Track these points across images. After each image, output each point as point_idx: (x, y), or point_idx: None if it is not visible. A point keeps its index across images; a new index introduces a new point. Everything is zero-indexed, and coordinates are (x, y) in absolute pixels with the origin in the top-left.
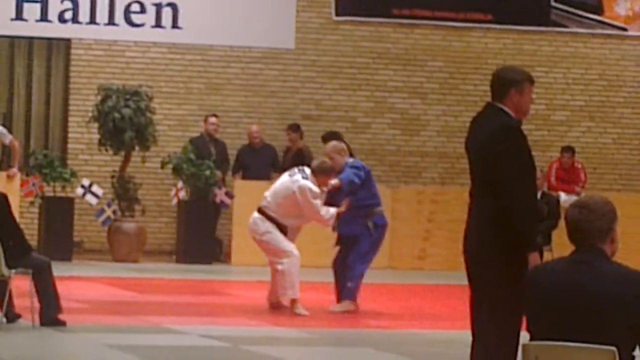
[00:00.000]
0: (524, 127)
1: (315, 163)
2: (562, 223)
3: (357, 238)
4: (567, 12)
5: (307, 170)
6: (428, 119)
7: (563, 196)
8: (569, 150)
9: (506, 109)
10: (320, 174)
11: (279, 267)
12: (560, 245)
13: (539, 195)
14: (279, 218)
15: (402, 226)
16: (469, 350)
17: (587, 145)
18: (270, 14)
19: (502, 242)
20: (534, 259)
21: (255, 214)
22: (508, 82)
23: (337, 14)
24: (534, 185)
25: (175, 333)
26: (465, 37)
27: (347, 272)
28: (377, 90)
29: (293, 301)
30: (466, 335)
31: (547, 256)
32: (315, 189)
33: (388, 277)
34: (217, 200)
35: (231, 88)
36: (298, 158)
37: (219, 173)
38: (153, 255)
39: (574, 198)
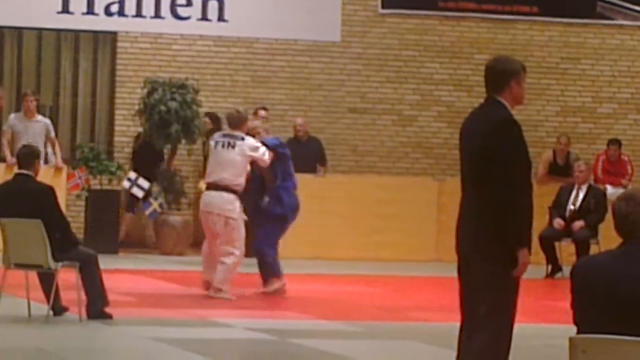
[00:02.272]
0: (571, 119)
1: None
2: (608, 216)
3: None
4: (613, 4)
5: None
6: None
7: (610, 189)
8: (615, 142)
9: (504, 101)
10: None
11: (227, 259)
12: (608, 239)
13: (585, 188)
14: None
15: (449, 219)
16: (517, 344)
17: (633, 138)
18: (316, 6)
19: (496, 237)
20: (523, 254)
21: (226, 195)
22: (508, 74)
23: (383, 7)
24: (529, 180)
25: (221, 326)
26: (511, 29)
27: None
28: (423, 83)
29: (215, 287)
30: (516, 329)
31: (594, 249)
32: None
33: (434, 269)
34: None
35: (277, 81)
36: None
37: None
38: (199, 248)
39: (620, 191)
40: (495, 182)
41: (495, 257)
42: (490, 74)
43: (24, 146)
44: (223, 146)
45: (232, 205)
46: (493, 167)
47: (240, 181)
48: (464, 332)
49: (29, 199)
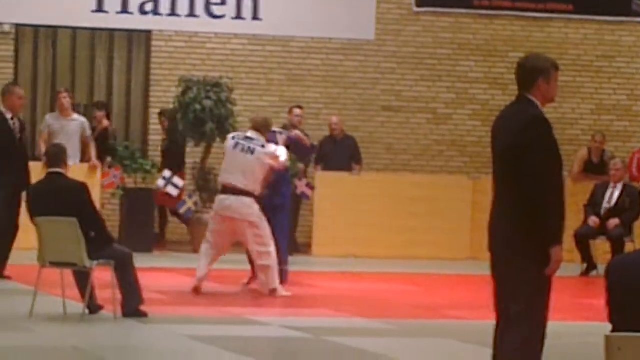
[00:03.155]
0: (606, 117)
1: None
2: None
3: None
4: None
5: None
6: None
7: None
8: None
9: (534, 99)
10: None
11: (267, 258)
12: None
13: (620, 186)
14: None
15: (484, 217)
16: (552, 342)
17: None
18: (351, 5)
19: (529, 235)
20: (556, 252)
21: (245, 199)
22: (536, 72)
23: (417, 5)
24: (561, 177)
25: (256, 324)
26: (546, 27)
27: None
28: (458, 81)
29: (274, 290)
30: (551, 326)
31: (629, 247)
32: None
33: (469, 268)
34: (298, 191)
35: (311, 79)
36: (103, 137)
37: (300, 165)
38: (233, 247)
39: None
40: (526, 180)
41: (527, 255)
42: (520, 72)
43: (53, 145)
44: (243, 150)
45: (251, 210)
46: (524, 165)
47: (257, 188)
48: (499, 330)
49: (62, 197)
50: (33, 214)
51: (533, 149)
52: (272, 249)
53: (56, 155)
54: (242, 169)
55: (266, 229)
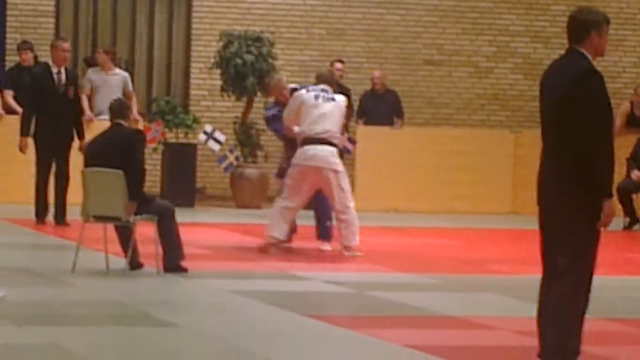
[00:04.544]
0: None
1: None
2: None
3: None
4: None
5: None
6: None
7: None
8: None
9: (585, 52)
10: None
11: (350, 214)
12: None
13: None
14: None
15: (526, 171)
16: (594, 295)
17: None
18: None
19: (579, 188)
20: (608, 205)
21: (330, 148)
22: (589, 24)
23: None
24: (612, 130)
25: (299, 279)
26: None
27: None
28: (499, 34)
29: (350, 247)
30: (593, 280)
31: None
32: None
33: (511, 222)
34: (340, 145)
35: (353, 33)
36: None
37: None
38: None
39: None
40: (578, 132)
41: (578, 208)
42: (572, 24)
43: (115, 100)
44: (324, 99)
45: (336, 158)
46: (576, 117)
47: (339, 135)
48: (545, 283)
49: (117, 144)
50: (89, 163)
51: (585, 102)
52: (353, 203)
53: (118, 108)
54: (328, 117)
55: (347, 182)
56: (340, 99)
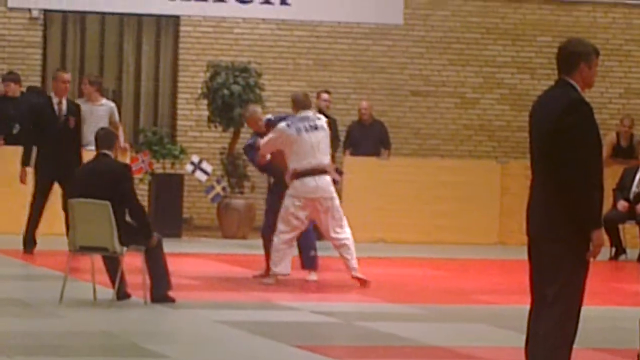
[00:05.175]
0: (635, 101)
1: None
2: None
3: None
4: None
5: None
6: (537, 94)
7: None
8: None
9: (574, 83)
10: None
11: (346, 237)
12: None
13: None
14: None
15: (512, 201)
16: (581, 325)
17: None
18: None
19: (568, 219)
20: (597, 236)
21: (327, 177)
22: (578, 56)
23: None
24: (601, 161)
25: (286, 309)
26: (574, 11)
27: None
28: (485, 65)
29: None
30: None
31: None
32: None
33: (498, 252)
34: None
35: (339, 64)
36: None
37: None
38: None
39: None
40: (568, 163)
41: (566, 239)
42: (561, 56)
43: (102, 129)
44: (307, 130)
45: (332, 187)
46: (565, 147)
47: (329, 162)
48: (534, 314)
49: (104, 178)
50: (71, 195)
51: (575, 132)
52: (349, 230)
53: (105, 137)
54: (318, 148)
55: (340, 208)
56: (322, 122)
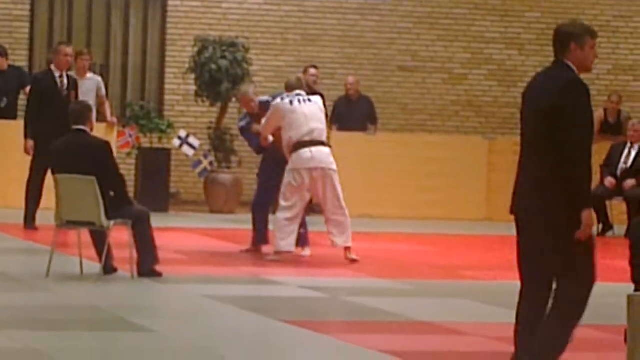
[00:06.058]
0: (622, 78)
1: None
2: None
3: None
4: None
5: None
6: (525, 70)
7: None
8: None
9: (571, 64)
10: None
11: (344, 213)
12: None
13: (637, 146)
14: None
15: (499, 178)
16: None
17: None
18: None
19: (561, 198)
20: (587, 216)
21: (324, 149)
22: (567, 37)
23: None
24: (592, 142)
25: (273, 284)
26: None
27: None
28: (474, 41)
29: (349, 249)
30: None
31: None
32: None
33: (484, 228)
34: None
35: (328, 39)
36: None
37: None
38: (249, 206)
39: None
40: (563, 143)
41: (560, 218)
42: (554, 37)
43: (76, 102)
44: (300, 102)
45: (332, 159)
46: (561, 128)
47: (326, 135)
48: (526, 296)
49: (84, 155)
50: (54, 171)
51: (571, 111)
52: (344, 204)
53: (80, 113)
54: (312, 118)
55: (339, 184)
56: (316, 99)
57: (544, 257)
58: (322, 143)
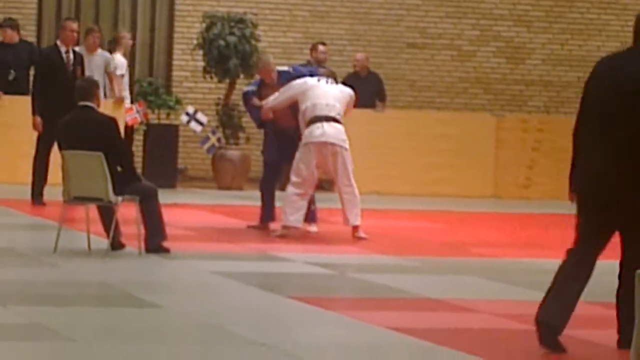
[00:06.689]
0: None
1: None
2: None
3: None
4: None
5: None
6: (533, 47)
7: None
8: None
9: None
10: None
11: (352, 191)
12: None
13: None
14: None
15: (507, 155)
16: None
17: None
18: None
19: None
20: None
21: (338, 125)
22: None
23: None
24: None
25: (281, 260)
26: None
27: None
28: (482, 18)
29: (358, 227)
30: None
31: None
32: None
33: (492, 205)
34: None
35: (336, 15)
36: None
37: None
38: (257, 183)
39: None
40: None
41: None
42: (635, 25)
43: (82, 79)
44: (326, 82)
45: (345, 136)
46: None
47: (341, 118)
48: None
49: (91, 131)
50: (62, 147)
51: None
52: (354, 183)
53: (87, 89)
54: (331, 96)
55: (351, 163)
56: (347, 89)
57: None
58: (335, 120)
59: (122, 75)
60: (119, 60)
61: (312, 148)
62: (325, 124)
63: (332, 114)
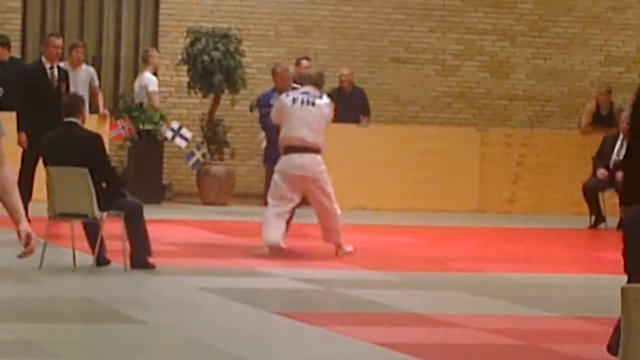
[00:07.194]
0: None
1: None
2: None
3: None
4: None
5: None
6: (517, 62)
7: None
8: None
9: None
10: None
11: (335, 211)
12: None
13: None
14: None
15: (491, 169)
16: (560, 294)
17: None
18: None
19: None
20: None
21: (314, 156)
22: None
23: None
24: None
25: (266, 276)
26: None
27: None
28: (466, 32)
29: (341, 244)
30: (559, 279)
31: None
32: None
33: (477, 220)
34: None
35: (320, 31)
36: None
37: None
38: (242, 198)
39: None
40: None
41: None
42: None
43: (68, 95)
44: (302, 103)
45: (321, 167)
46: None
47: (322, 139)
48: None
49: (76, 147)
50: (46, 163)
51: None
52: (336, 205)
53: (72, 105)
54: (306, 123)
55: (331, 186)
56: (322, 102)
57: None
58: (313, 150)
59: (156, 92)
60: (149, 78)
61: (288, 178)
62: (299, 156)
63: (308, 141)
